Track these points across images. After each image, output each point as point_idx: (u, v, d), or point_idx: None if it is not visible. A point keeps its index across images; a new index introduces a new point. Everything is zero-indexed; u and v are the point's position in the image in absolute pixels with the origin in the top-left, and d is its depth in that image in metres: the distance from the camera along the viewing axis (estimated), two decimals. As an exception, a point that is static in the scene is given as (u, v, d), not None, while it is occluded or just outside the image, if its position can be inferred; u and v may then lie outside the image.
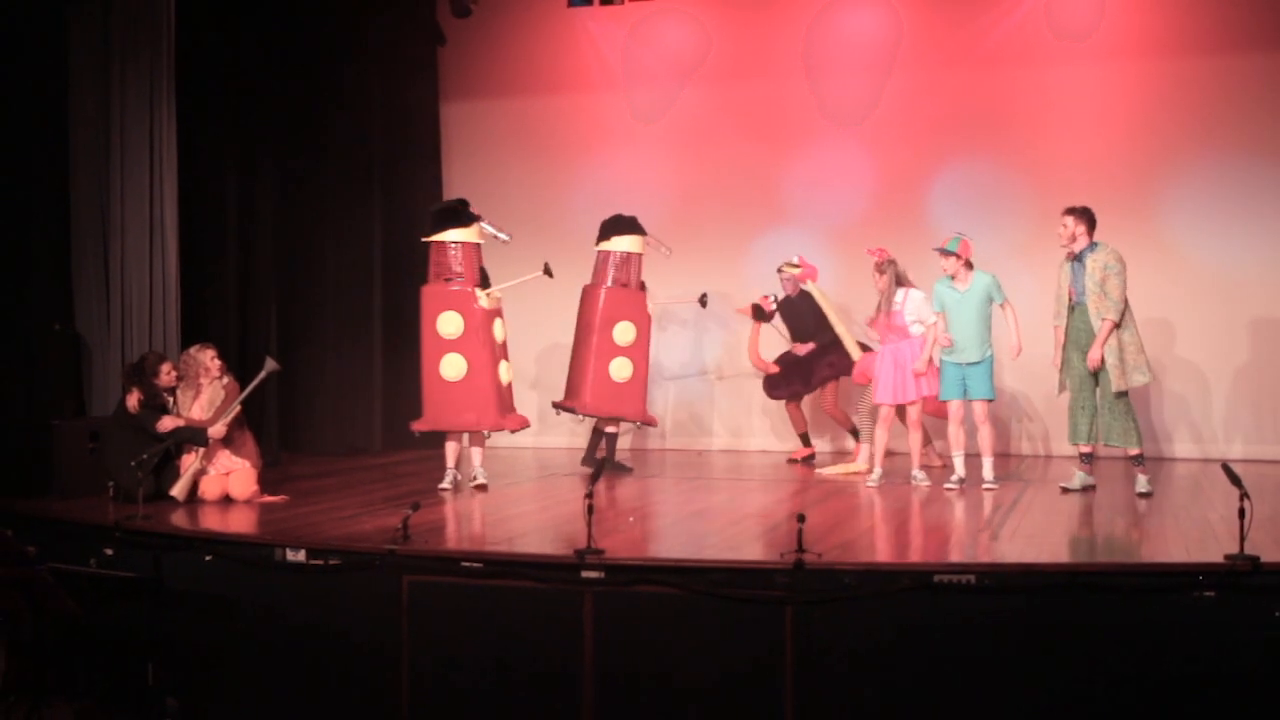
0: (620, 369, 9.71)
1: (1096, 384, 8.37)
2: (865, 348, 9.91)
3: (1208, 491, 8.62)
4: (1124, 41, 10.98)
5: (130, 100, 9.86)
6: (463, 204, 9.31)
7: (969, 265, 8.73)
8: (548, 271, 9.35)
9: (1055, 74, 11.10)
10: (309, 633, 6.79)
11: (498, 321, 9.16)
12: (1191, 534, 6.92)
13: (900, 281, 9.00)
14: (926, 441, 9.96)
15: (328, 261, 11.94)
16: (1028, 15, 11.18)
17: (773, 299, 10.67)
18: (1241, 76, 10.66)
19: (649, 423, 10.23)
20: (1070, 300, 8.44)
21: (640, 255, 9.91)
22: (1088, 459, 8.53)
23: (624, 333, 9.71)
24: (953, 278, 8.74)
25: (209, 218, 10.83)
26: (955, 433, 8.82)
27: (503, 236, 9.27)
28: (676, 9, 12.13)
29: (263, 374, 8.61)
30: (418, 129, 12.35)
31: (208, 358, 8.57)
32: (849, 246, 10.66)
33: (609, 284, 9.78)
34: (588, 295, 9.88)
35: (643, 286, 9.92)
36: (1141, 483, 8.38)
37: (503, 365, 9.20)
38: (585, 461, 10.05)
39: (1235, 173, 10.62)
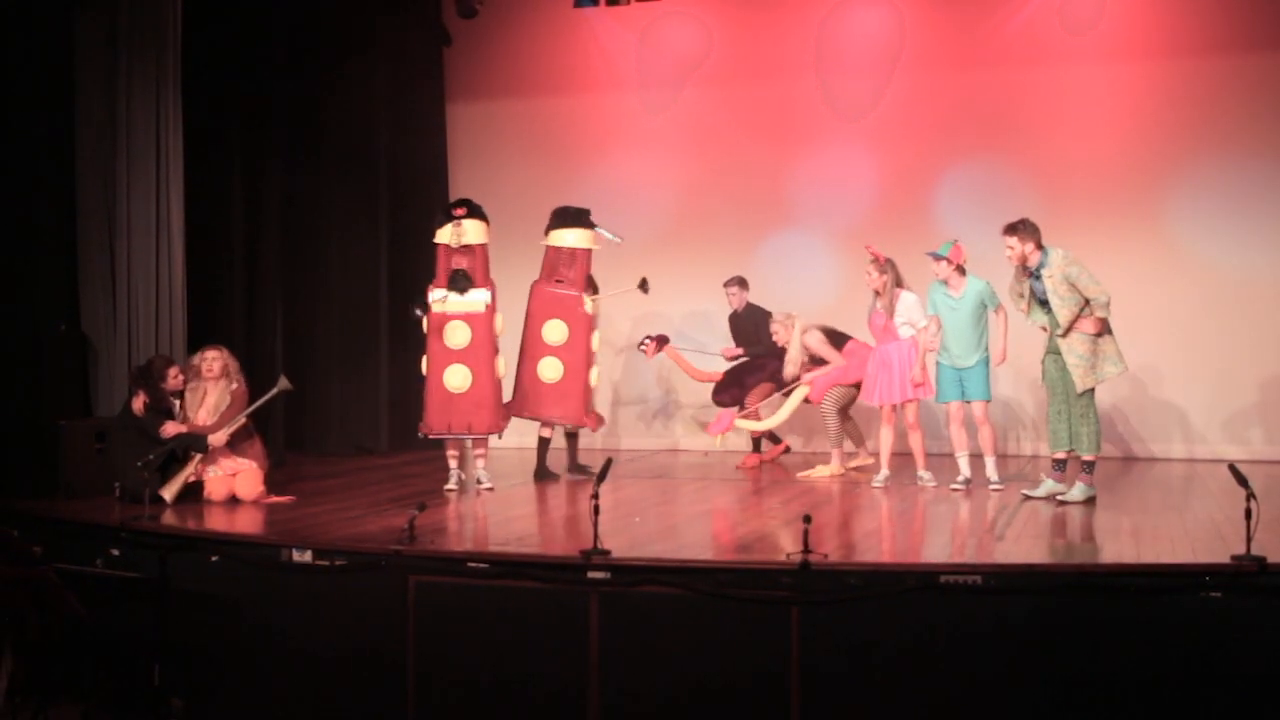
0: (549, 369, 9.47)
1: (1066, 389, 8.08)
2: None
3: (1214, 492, 8.60)
4: (1131, 41, 10.97)
5: (137, 100, 9.87)
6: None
7: (961, 271, 8.70)
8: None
9: (1063, 74, 11.08)
10: (315, 633, 6.80)
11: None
12: (1197, 535, 6.92)
13: (898, 283, 9.01)
14: (859, 441, 10.03)
15: (334, 261, 11.95)
16: (1036, 14, 11.16)
17: (646, 341, 10.59)
18: (1248, 76, 10.64)
19: (582, 425, 9.78)
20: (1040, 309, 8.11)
21: (588, 250, 9.66)
22: (1060, 466, 8.30)
23: (554, 331, 9.49)
24: (946, 282, 8.73)
25: (215, 218, 10.86)
26: (956, 434, 8.81)
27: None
28: (682, 10, 12.13)
29: (273, 391, 8.60)
30: (424, 129, 12.35)
31: (211, 359, 8.56)
32: (856, 246, 10.64)
33: (546, 281, 9.58)
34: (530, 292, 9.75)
35: (591, 284, 9.66)
36: (1077, 491, 8.08)
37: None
38: (537, 476, 9.73)
39: (1242, 173, 10.60)
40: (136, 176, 9.85)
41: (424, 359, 9.20)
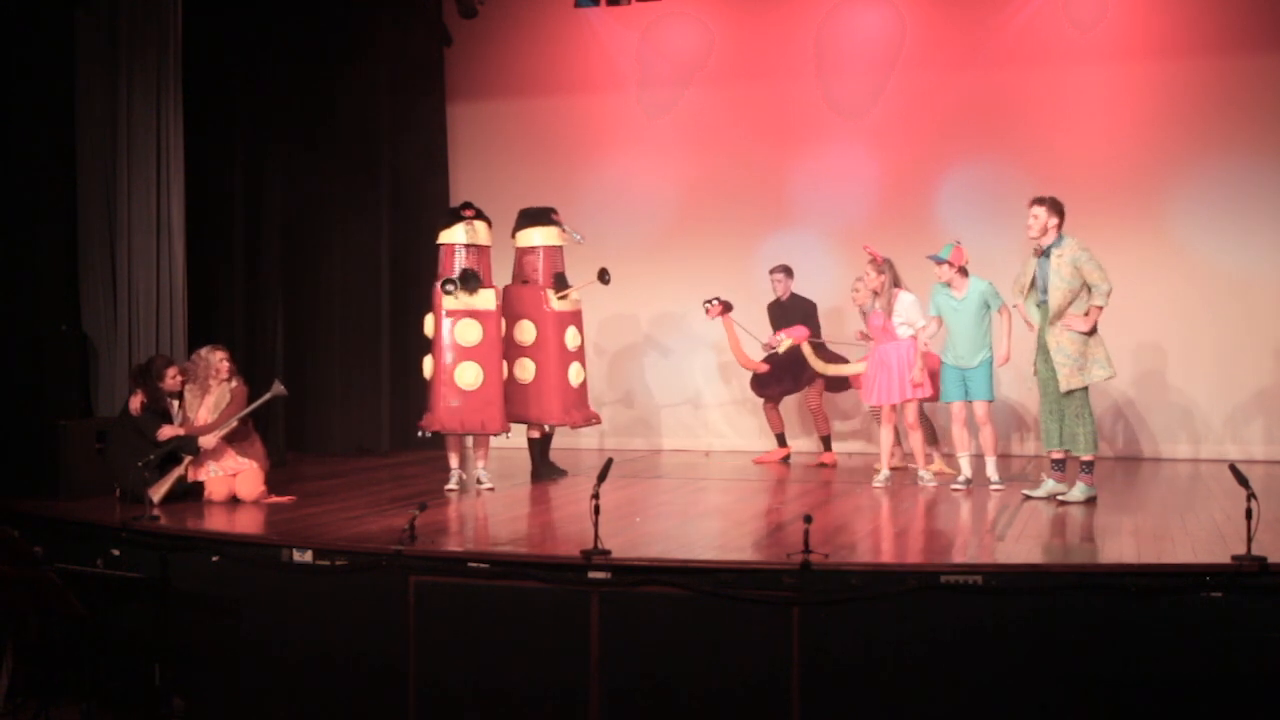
0: (522, 370, 9.48)
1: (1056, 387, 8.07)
2: (841, 358, 10.25)
3: (1215, 492, 8.60)
4: (1131, 42, 10.97)
5: (137, 101, 9.87)
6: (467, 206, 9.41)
7: (964, 272, 8.70)
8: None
9: (1064, 73, 11.09)
10: (315, 633, 6.80)
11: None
12: (1198, 535, 6.92)
13: (896, 283, 9.00)
14: (895, 442, 9.73)
15: (335, 261, 11.94)
16: (1038, 12, 11.16)
17: (714, 300, 10.54)
18: (1250, 76, 10.64)
19: (562, 424, 9.72)
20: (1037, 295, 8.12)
21: (555, 248, 9.65)
22: (1059, 466, 8.31)
23: (524, 331, 9.51)
24: (949, 284, 8.73)
25: (216, 218, 10.85)
26: (959, 434, 8.81)
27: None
28: (682, 10, 12.14)
29: (267, 395, 8.57)
30: (424, 130, 12.36)
31: (218, 359, 8.55)
32: (856, 246, 10.64)
33: (515, 282, 9.62)
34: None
35: (560, 281, 9.60)
36: (1078, 491, 8.08)
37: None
38: (534, 476, 9.75)
39: (1245, 173, 10.60)
40: (136, 176, 9.85)
41: (426, 359, 9.19)
